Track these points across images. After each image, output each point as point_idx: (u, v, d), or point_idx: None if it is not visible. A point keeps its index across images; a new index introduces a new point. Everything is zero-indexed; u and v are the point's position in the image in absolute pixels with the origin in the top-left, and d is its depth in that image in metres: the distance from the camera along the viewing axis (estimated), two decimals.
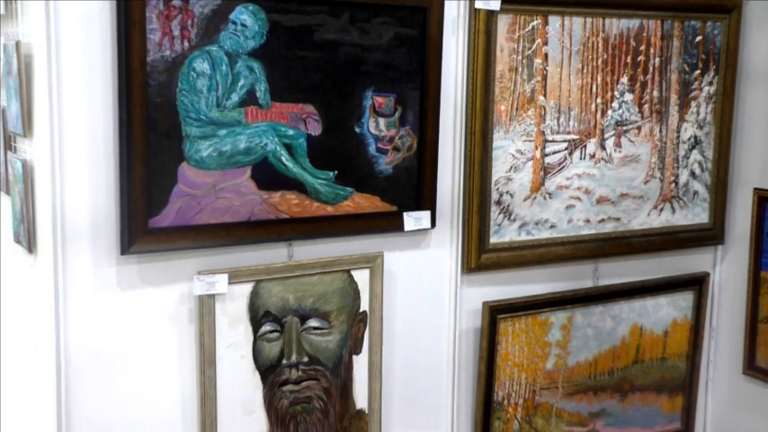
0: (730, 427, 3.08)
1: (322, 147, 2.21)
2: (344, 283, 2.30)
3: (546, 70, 2.55)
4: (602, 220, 2.74)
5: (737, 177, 2.98)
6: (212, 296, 2.12)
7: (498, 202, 2.54)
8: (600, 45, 2.63)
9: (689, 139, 2.86)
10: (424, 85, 2.34)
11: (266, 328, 2.21)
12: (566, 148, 2.63)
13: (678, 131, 2.83)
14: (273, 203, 2.17)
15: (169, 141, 2.01)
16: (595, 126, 2.67)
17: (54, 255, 1.96)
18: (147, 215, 2.01)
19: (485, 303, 2.53)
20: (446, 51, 2.37)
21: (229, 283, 2.13)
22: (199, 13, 2.01)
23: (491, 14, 2.42)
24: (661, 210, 2.85)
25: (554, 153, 2.61)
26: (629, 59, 2.69)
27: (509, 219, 2.57)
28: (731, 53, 2.86)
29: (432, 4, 2.31)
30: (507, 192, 2.55)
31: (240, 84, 2.08)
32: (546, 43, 2.54)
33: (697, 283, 2.95)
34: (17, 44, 1.97)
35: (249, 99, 2.10)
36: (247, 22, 2.06)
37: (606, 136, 2.69)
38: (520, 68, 2.51)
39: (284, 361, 2.24)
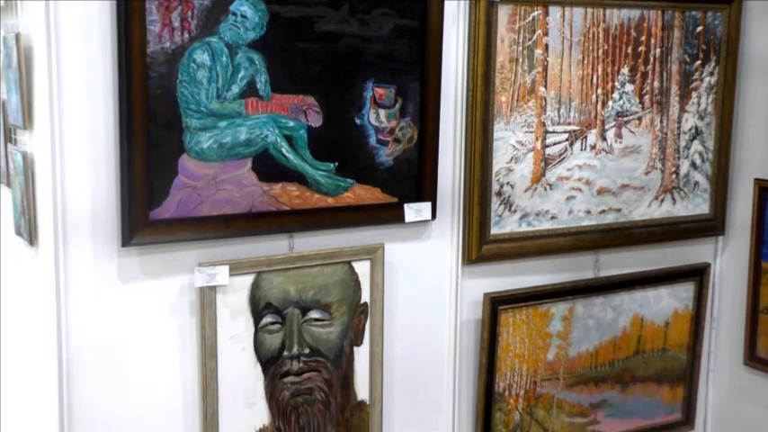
0: (731, 417, 3.08)
1: (322, 138, 2.21)
2: (345, 274, 2.30)
3: (546, 61, 2.55)
4: (603, 211, 2.74)
5: (738, 168, 2.97)
6: (213, 288, 2.12)
7: (499, 194, 2.54)
8: (600, 36, 2.63)
9: (690, 129, 2.85)
10: (425, 77, 2.33)
11: (267, 319, 2.21)
12: (566, 139, 2.62)
13: (679, 122, 2.83)
14: (274, 195, 2.17)
15: (169, 133, 2.01)
16: (596, 117, 2.67)
17: (55, 247, 1.96)
18: (148, 207, 2.00)
19: (486, 294, 2.53)
20: (446, 42, 2.37)
21: (230, 275, 2.13)
22: (199, 5, 2.00)
23: (491, 5, 2.42)
24: (662, 200, 2.85)
25: (555, 144, 2.61)
26: (629, 50, 2.68)
27: (510, 210, 2.57)
28: (732, 43, 2.85)
29: None
30: (508, 183, 2.55)
31: (240, 75, 2.08)
32: (546, 34, 2.53)
33: (698, 274, 2.95)
34: (17, 36, 1.97)
35: (249, 90, 2.10)
36: (247, 14, 2.06)
37: (607, 127, 2.69)
38: (520, 59, 2.50)
39: (285, 352, 2.24)
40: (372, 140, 2.29)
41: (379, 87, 2.27)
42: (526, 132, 2.55)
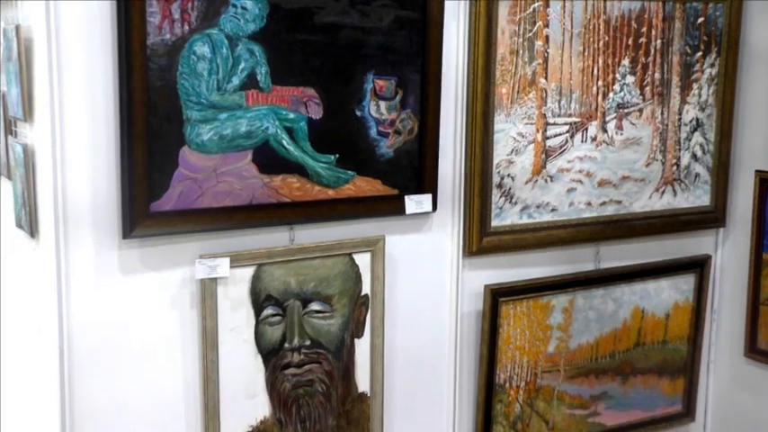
0: (731, 409, 3.09)
1: (323, 130, 2.21)
2: (346, 266, 2.30)
3: (547, 53, 2.54)
4: (604, 203, 2.74)
5: (739, 160, 2.97)
6: (214, 280, 2.12)
7: (499, 186, 2.54)
8: (601, 27, 2.62)
9: (690, 121, 2.85)
10: (425, 68, 2.33)
11: (268, 311, 2.21)
12: (567, 131, 2.62)
13: (680, 114, 2.82)
14: (275, 187, 2.17)
15: (170, 125, 2.01)
16: (597, 109, 2.66)
17: (56, 239, 1.96)
18: (149, 199, 2.00)
19: (486, 286, 2.53)
20: (447, 34, 2.37)
21: (231, 267, 2.13)
22: None
23: None
24: (662, 192, 2.85)
25: (555, 136, 2.61)
26: (630, 41, 2.68)
27: (510, 202, 2.57)
28: (733, 34, 2.85)
29: None
30: (508, 175, 2.55)
31: (241, 67, 2.08)
32: (547, 25, 2.53)
33: (698, 266, 2.95)
34: (17, 28, 1.97)
35: (250, 82, 2.10)
36: (247, 5, 2.06)
37: (608, 118, 2.69)
38: (521, 51, 2.50)
39: (286, 344, 2.24)
40: (373, 132, 2.29)
41: (379, 79, 2.27)
42: (527, 124, 2.55)
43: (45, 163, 1.94)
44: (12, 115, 2.10)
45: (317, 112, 2.19)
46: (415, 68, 2.32)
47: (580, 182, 2.68)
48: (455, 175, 2.48)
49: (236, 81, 2.08)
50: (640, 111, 2.75)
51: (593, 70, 2.63)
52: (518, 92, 2.52)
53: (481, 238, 2.53)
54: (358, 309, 2.34)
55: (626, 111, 2.72)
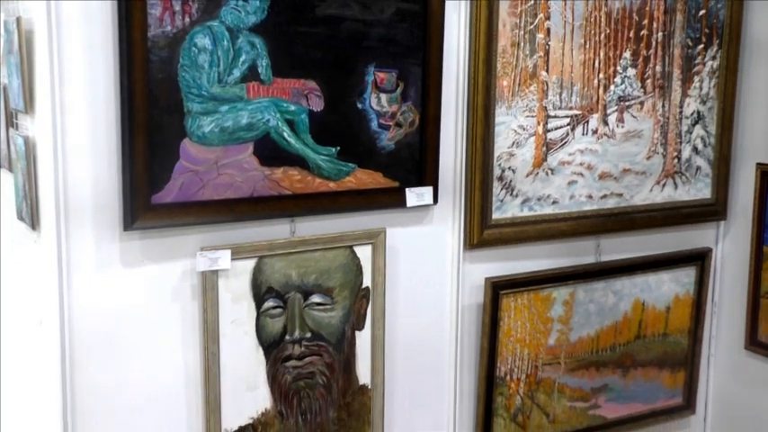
0: (732, 402, 3.09)
1: (324, 122, 2.20)
2: (347, 259, 2.31)
3: (548, 45, 2.54)
4: (605, 196, 2.74)
5: (740, 152, 2.97)
6: (215, 272, 2.12)
7: (500, 178, 2.54)
8: (602, 19, 2.62)
9: (692, 114, 2.85)
10: (426, 61, 2.33)
11: (269, 304, 2.21)
12: (568, 124, 2.62)
13: (681, 106, 2.82)
14: (276, 179, 2.17)
15: (171, 117, 2.01)
16: (598, 101, 2.66)
17: (57, 231, 1.96)
18: (150, 191, 2.00)
19: (487, 279, 2.54)
20: (448, 26, 2.36)
21: (232, 259, 2.13)
22: None
23: None
24: (663, 185, 2.85)
25: (556, 128, 2.60)
26: (631, 34, 2.68)
27: (511, 194, 2.57)
28: (734, 27, 2.85)
29: None
30: (509, 167, 2.54)
31: (242, 59, 2.07)
32: (548, 18, 2.52)
33: (699, 259, 2.95)
34: (18, 20, 1.96)
35: (251, 75, 2.09)
36: None
37: (609, 111, 2.69)
38: (522, 43, 2.50)
39: (287, 337, 2.25)
40: (374, 125, 2.29)
41: (380, 71, 2.27)
42: (528, 117, 2.55)
43: (46, 155, 1.94)
44: (13, 107, 2.10)
45: (317, 105, 2.19)
46: (416, 61, 2.32)
47: (581, 175, 2.68)
48: (456, 167, 2.48)
49: (236, 73, 2.08)
50: (641, 103, 2.74)
51: (594, 63, 2.63)
52: (519, 84, 2.51)
53: (482, 230, 2.53)
54: (359, 301, 2.34)
55: (627, 103, 2.72)
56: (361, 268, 2.33)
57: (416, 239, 2.46)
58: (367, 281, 2.35)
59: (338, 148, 2.24)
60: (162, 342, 2.12)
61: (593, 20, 2.60)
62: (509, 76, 2.49)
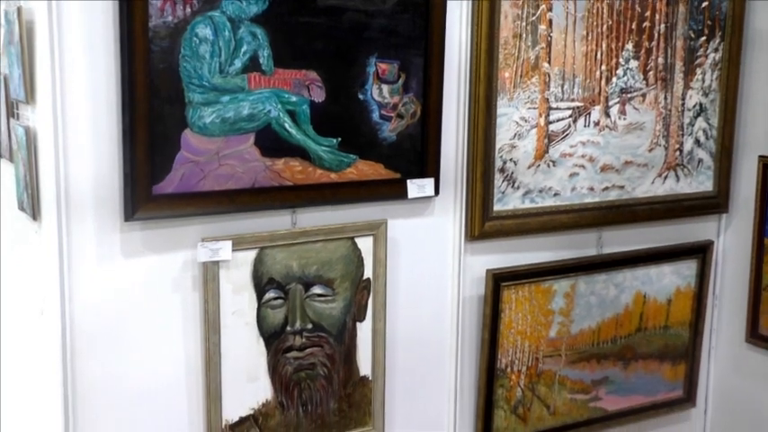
0: (732, 394, 3.09)
1: (325, 113, 2.20)
2: (348, 250, 2.30)
3: (550, 37, 2.53)
4: (606, 188, 2.73)
5: (742, 145, 2.96)
6: (216, 263, 2.12)
7: (502, 170, 2.53)
8: (605, 11, 2.61)
9: (694, 106, 2.84)
10: (428, 52, 2.32)
11: (270, 295, 2.21)
12: (570, 116, 2.61)
13: (683, 99, 2.82)
14: (277, 170, 2.16)
15: (172, 108, 2.00)
16: (600, 93, 2.66)
17: (58, 221, 1.96)
18: (151, 182, 2.00)
19: (488, 271, 2.53)
20: (450, 17, 2.36)
21: (233, 250, 2.13)
22: None
23: None
24: (665, 178, 2.84)
25: (558, 120, 2.60)
26: (634, 26, 2.67)
27: (513, 186, 2.56)
28: (737, 19, 2.84)
29: None
30: (511, 159, 2.54)
31: (243, 50, 2.07)
32: (550, 9, 2.52)
33: (701, 252, 2.95)
34: (18, 10, 1.96)
35: (252, 65, 2.09)
36: None
37: (611, 103, 2.68)
38: (524, 35, 2.49)
39: (288, 328, 2.25)
40: (375, 116, 2.28)
41: (382, 62, 2.26)
42: (529, 108, 2.54)
43: (47, 145, 1.94)
44: (14, 98, 2.10)
45: (319, 96, 2.19)
46: (417, 52, 2.31)
47: (583, 167, 2.67)
48: (457, 159, 2.48)
49: (238, 64, 2.07)
50: (643, 95, 2.74)
51: (596, 54, 2.62)
52: (521, 76, 2.51)
53: (483, 222, 2.53)
54: (360, 292, 2.34)
55: (629, 95, 2.71)
56: (362, 260, 2.33)
57: (418, 231, 2.46)
58: (368, 272, 2.34)
59: (339, 139, 2.24)
60: (163, 333, 2.12)
61: (595, 11, 2.59)
62: (511, 67, 2.49)
